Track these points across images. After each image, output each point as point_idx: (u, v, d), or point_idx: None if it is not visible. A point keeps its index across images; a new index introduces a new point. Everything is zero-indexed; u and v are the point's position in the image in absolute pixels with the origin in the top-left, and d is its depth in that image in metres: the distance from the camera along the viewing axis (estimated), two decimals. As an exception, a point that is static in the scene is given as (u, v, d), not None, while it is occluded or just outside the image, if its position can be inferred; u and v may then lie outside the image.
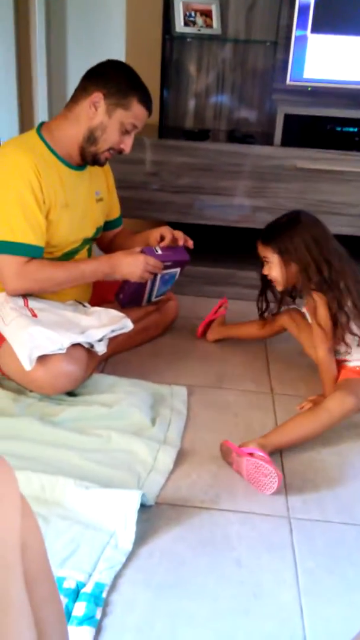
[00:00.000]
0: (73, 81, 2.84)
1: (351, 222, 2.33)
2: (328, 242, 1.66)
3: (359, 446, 1.56)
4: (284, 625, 1.06)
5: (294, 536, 1.25)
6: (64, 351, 1.50)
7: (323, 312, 1.62)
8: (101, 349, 1.60)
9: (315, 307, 1.62)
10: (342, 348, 1.65)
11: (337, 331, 1.62)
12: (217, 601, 1.10)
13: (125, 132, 1.61)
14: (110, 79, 1.57)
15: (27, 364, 1.46)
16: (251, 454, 1.37)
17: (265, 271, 1.73)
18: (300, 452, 1.51)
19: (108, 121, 1.58)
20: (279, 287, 1.73)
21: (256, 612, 1.08)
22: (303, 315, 1.84)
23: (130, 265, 1.65)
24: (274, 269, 1.69)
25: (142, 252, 1.68)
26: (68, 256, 1.69)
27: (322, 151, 2.26)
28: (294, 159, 2.26)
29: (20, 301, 1.59)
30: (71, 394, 1.63)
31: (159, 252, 1.74)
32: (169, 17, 2.45)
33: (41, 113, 2.73)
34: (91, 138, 1.60)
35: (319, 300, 1.62)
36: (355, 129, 2.35)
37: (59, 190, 1.59)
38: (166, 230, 1.81)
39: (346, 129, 2.35)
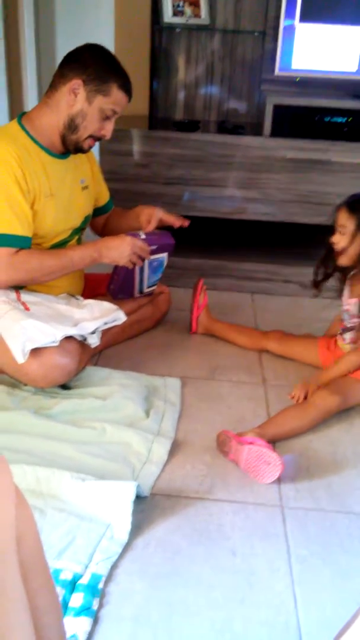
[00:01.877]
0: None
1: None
2: None
3: (350, 434, 1.58)
4: (278, 612, 1.08)
5: (287, 525, 1.27)
6: (57, 344, 1.50)
7: None
8: (94, 341, 1.60)
9: None
10: None
11: None
12: (213, 590, 1.11)
13: (105, 118, 1.60)
14: (89, 64, 1.54)
15: (20, 357, 1.46)
16: (251, 443, 1.39)
17: (336, 239, 1.66)
18: (293, 441, 1.52)
19: (88, 108, 1.56)
20: (344, 261, 1.67)
21: (251, 600, 1.10)
22: (287, 334, 1.90)
23: (118, 248, 1.65)
24: (347, 239, 1.63)
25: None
26: (57, 247, 1.69)
27: (311, 141, 2.26)
28: (284, 150, 2.27)
29: (13, 294, 1.59)
30: (65, 386, 1.64)
31: (143, 236, 1.72)
32: (158, 8, 2.44)
33: (31, 104, 2.71)
34: (72, 126, 1.58)
35: None
36: (344, 119, 2.35)
37: (43, 180, 1.58)
38: (154, 213, 1.79)
39: (335, 119, 2.35)
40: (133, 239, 1.67)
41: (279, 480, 1.39)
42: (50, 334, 1.49)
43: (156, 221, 1.79)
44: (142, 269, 1.78)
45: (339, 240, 1.65)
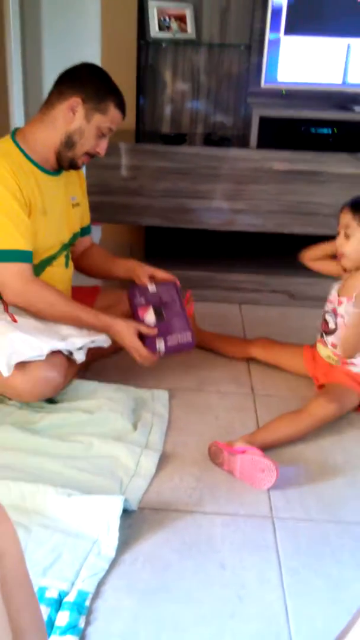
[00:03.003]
0: (49, 86, 2.84)
1: (328, 222, 2.34)
2: None
3: (339, 443, 1.57)
4: (269, 625, 1.06)
5: (278, 536, 1.25)
6: (44, 357, 1.49)
7: None
8: (80, 357, 1.59)
9: None
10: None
11: None
12: (202, 605, 1.09)
13: (101, 135, 1.62)
14: (87, 83, 1.56)
15: (5, 370, 1.44)
16: (244, 452, 1.38)
17: (340, 242, 1.66)
18: (282, 450, 1.51)
19: (86, 126, 1.58)
20: (347, 263, 1.67)
21: (241, 614, 1.08)
22: (273, 341, 1.90)
23: (124, 338, 1.64)
24: (354, 243, 1.63)
25: (132, 294, 1.74)
26: (46, 263, 1.68)
27: (298, 153, 2.27)
28: (271, 161, 2.28)
29: (1, 306, 1.58)
30: (51, 401, 1.62)
31: (153, 289, 1.76)
32: (144, 23, 2.46)
33: (17, 119, 2.72)
34: (69, 143, 1.59)
35: None
36: (330, 130, 2.37)
37: (37, 197, 1.58)
38: (155, 273, 1.81)
39: (320, 130, 2.37)
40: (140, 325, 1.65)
41: (268, 491, 1.38)
42: (37, 347, 1.48)
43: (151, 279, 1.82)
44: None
45: (342, 243, 1.65)
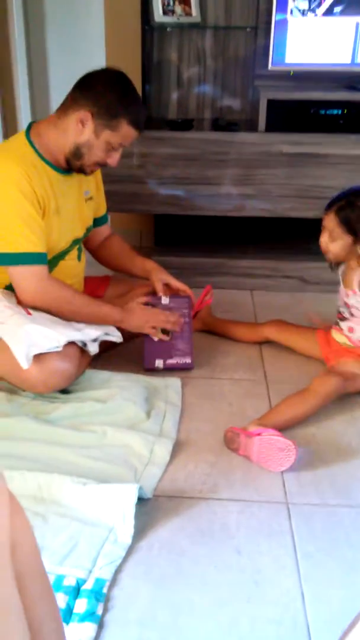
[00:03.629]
0: (54, 73, 2.82)
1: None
2: None
3: (353, 426, 1.57)
4: (285, 610, 1.06)
5: (293, 521, 1.26)
6: (60, 349, 1.50)
7: None
8: (94, 349, 1.61)
9: None
10: None
11: None
12: (219, 590, 1.10)
13: (111, 149, 1.59)
14: (101, 97, 1.51)
15: (25, 363, 1.45)
16: (259, 434, 1.39)
17: (323, 240, 1.68)
18: (295, 435, 1.51)
19: (95, 140, 1.55)
20: (331, 258, 1.71)
21: (257, 598, 1.08)
22: (286, 322, 1.91)
23: (141, 317, 1.72)
24: (337, 243, 1.65)
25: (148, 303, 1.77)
26: (59, 258, 1.69)
27: (307, 135, 2.25)
28: (280, 144, 2.25)
29: (14, 299, 1.59)
30: (64, 391, 1.63)
31: (166, 301, 1.81)
32: (148, 7, 2.43)
33: (23, 105, 2.70)
34: (77, 153, 1.57)
35: None
36: (339, 111, 2.34)
37: (50, 197, 1.58)
38: (171, 281, 1.84)
39: (330, 111, 2.34)
40: (156, 310, 1.75)
41: (282, 476, 1.38)
42: (54, 339, 1.49)
43: (168, 289, 1.85)
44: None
45: (326, 242, 1.68)
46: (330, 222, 1.65)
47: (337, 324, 1.76)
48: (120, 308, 1.70)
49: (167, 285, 1.85)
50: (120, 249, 1.93)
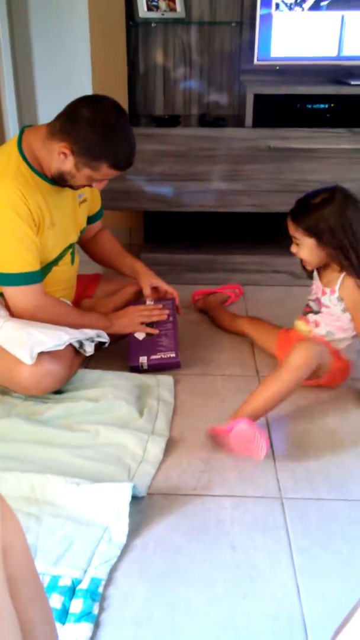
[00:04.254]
0: (39, 73, 2.80)
1: (328, 199, 2.32)
2: None
3: (346, 420, 1.57)
4: (281, 605, 1.07)
5: (287, 516, 1.26)
6: (63, 347, 1.51)
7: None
8: (90, 349, 1.62)
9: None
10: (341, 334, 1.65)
11: None
12: (214, 587, 1.10)
13: (95, 181, 1.56)
14: (82, 139, 1.45)
15: (29, 359, 1.46)
16: (230, 430, 1.38)
17: (294, 250, 1.64)
18: (288, 429, 1.51)
19: (76, 172, 1.51)
20: (309, 267, 1.66)
21: (253, 594, 1.09)
22: (262, 320, 1.90)
23: (127, 316, 1.78)
24: (304, 250, 1.60)
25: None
26: (52, 264, 1.68)
27: (294, 130, 2.24)
28: (267, 139, 2.25)
29: (4, 312, 1.58)
30: (57, 391, 1.62)
31: (150, 304, 1.85)
32: (132, 3, 2.41)
33: (9, 105, 2.68)
34: (61, 178, 1.54)
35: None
36: (326, 106, 2.33)
37: (45, 213, 1.57)
38: (160, 285, 1.87)
39: (316, 105, 2.33)
40: (138, 306, 1.81)
41: (276, 471, 1.38)
42: (56, 337, 1.50)
43: (156, 291, 1.88)
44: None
45: (296, 251, 1.64)
46: (291, 229, 1.62)
47: (305, 315, 1.73)
48: (104, 316, 1.76)
49: (155, 289, 1.86)
50: (110, 246, 1.93)
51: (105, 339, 1.67)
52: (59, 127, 1.48)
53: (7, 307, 1.60)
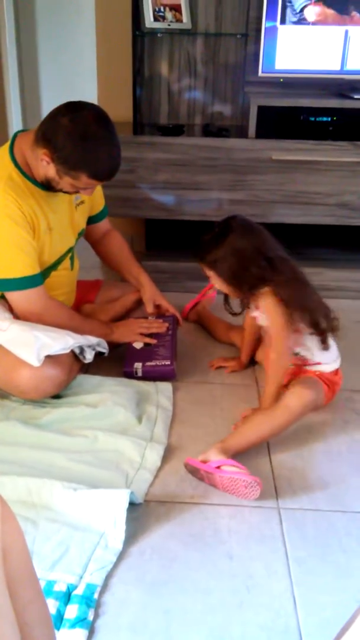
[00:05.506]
0: (45, 78, 2.82)
1: (328, 211, 2.33)
2: (262, 248, 1.52)
3: (344, 431, 1.57)
4: (277, 615, 1.06)
5: (284, 526, 1.26)
6: (68, 351, 1.52)
7: (273, 312, 1.52)
8: (90, 356, 1.62)
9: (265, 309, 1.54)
10: (306, 353, 1.58)
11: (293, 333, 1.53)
12: (210, 595, 1.09)
13: (79, 188, 1.55)
14: (61, 147, 1.43)
15: (35, 362, 1.46)
16: (219, 467, 1.31)
17: (212, 282, 1.62)
18: (287, 440, 1.51)
19: (59, 180, 1.50)
20: (232, 296, 1.63)
21: (249, 604, 1.08)
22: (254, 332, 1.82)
23: (127, 326, 1.81)
24: (215, 282, 1.59)
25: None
26: (51, 269, 1.69)
27: (297, 142, 2.26)
28: (270, 151, 2.26)
29: (9, 315, 1.58)
30: (55, 396, 1.62)
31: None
32: (138, 13, 2.43)
33: (14, 109, 2.70)
34: (49, 183, 1.54)
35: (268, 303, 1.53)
36: (329, 119, 2.35)
37: (40, 218, 1.57)
38: (163, 303, 1.88)
39: (320, 118, 2.35)
40: (139, 319, 1.84)
41: (274, 481, 1.38)
42: (62, 341, 1.51)
43: (158, 308, 1.89)
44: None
45: (214, 283, 1.62)
46: (203, 268, 1.61)
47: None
48: (105, 324, 1.77)
49: (157, 307, 1.87)
50: (119, 249, 1.93)
51: (104, 349, 1.68)
52: (41, 134, 1.47)
53: (11, 310, 1.60)
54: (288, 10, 2.28)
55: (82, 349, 1.61)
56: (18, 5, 2.69)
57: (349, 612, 1.04)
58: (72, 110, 1.44)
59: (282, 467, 1.43)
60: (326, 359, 1.60)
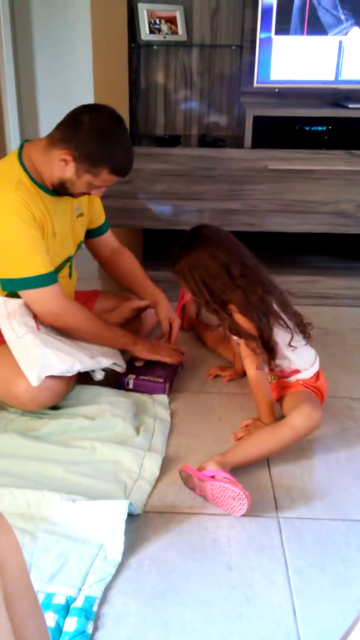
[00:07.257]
0: (41, 91, 2.84)
1: (325, 220, 2.34)
2: (226, 259, 1.53)
3: (342, 439, 1.57)
4: (278, 625, 1.06)
5: (284, 536, 1.25)
6: (70, 374, 1.53)
7: (242, 323, 1.52)
8: (100, 376, 1.64)
9: (234, 322, 1.53)
10: (284, 362, 1.57)
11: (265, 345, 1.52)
12: (210, 606, 1.09)
13: (95, 187, 1.58)
14: (84, 144, 1.48)
15: (35, 381, 1.47)
16: (213, 477, 1.30)
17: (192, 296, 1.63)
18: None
19: (76, 179, 1.54)
20: (202, 306, 1.64)
21: (249, 614, 1.08)
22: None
23: (153, 346, 1.79)
24: (187, 290, 1.62)
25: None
26: None
27: (293, 151, 2.27)
28: (266, 160, 2.27)
29: (32, 322, 1.58)
30: (53, 407, 1.62)
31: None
32: (134, 26, 2.46)
33: (12, 121, 2.72)
34: (62, 186, 1.57)
35: (236, 317, 1.53)
36: (324, 128, 2.37)
37: (47, 221, 1.59)
38: (176, 321, 1.87)
39: (314, 128, 2.37)
40: (165, 345, 1.82)
41: (273, 490, 1.38)
42: (68, 363, 1.52)
43: (176, 331, 1.87)
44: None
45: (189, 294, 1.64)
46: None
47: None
48: (132, 334, 1.76)
49: (171, 325, 1.87)
50: (130, 268, 1.94)
51: (120, 367, 1.69)
52: (60, 135, 1.52)
53: (35, 317, 1.60)
54: (282, 21, 2.30)
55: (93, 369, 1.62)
56: (15, 17, 2.71)
57: (348, 621, 1.04)
58: (92, 110, 1.53)
59: (281, 476, 1.43)
60: (303, 365, 1.59)
